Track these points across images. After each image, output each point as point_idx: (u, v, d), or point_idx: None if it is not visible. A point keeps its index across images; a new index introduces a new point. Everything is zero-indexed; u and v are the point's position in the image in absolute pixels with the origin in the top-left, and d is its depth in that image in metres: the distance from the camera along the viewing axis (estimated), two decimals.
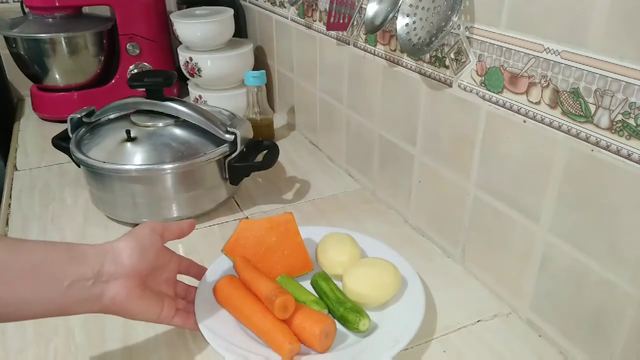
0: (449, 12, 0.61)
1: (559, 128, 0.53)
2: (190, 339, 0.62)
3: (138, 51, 1.25)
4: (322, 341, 0.56)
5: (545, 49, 0.53)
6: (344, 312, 0.60)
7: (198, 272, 0.65)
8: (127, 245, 0.53)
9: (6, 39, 1.18)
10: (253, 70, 1.13)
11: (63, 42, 1.17)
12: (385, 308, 0.63)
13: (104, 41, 1.22)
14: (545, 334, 0.61)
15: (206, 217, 0.86)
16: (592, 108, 0.49)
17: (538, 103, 0.55)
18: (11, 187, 0.97)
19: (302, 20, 1.02)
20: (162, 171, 0.78)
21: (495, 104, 0.61)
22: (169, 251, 0.60)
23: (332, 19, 0.85)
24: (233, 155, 0.83)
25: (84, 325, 0.64)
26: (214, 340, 0.57)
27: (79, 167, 0.84)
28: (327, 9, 0.87)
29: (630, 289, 0.50)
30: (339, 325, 0.61)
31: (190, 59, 1.13)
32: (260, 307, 0.59)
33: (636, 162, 0.47)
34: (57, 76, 1.21)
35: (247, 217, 0.86)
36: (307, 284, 0.67)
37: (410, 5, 0.65)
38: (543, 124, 0.55)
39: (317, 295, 0.65)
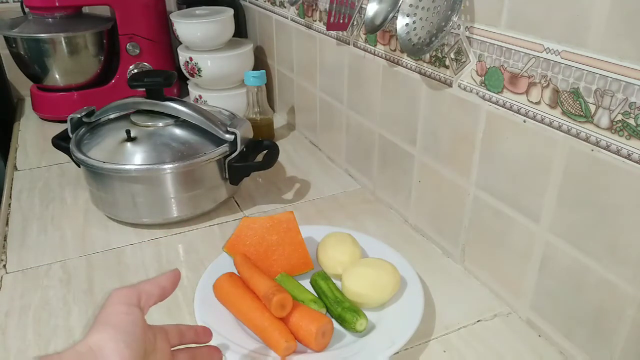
0: (449, 12, 0.61)
1: (559, 128, 0.53)
2: None
3: (138, 51, 1.25)
4: (318, 340, 0.57)
5: (545, 49, 0.53)
6: (341, 311, 0.60)
7: (195, 334, 0.52)
8: (106, 336, 0.40)
9: (6, 39, 1.18)
10: (253, 70, 1.13)
11: (63, 42, 1.17)
12: (384, 308, 0.63)
13: (104, 41, 1.22)
14: (545, 334, 0.61)
15: (206, 217, 0.86)
16: (592, 108, 0.49)
17: (538, 103, 0.55)
18: (11, 187, 0.97)
19: (302, 20, 1.02)
20: (162, 171, 0.78)
21: (495, 103, 0.61)
22: (150, 326, 0.46)
23: (332, 19, 0.85)
24: (233, 155, 0.83)
25: (84, 326, 0.64)
26: (213, 337, 0.57)
27: (79, 167, 0.84)
28: (327, 9, 0.87)
29: (630, 289, 0.50)
30: (336, 325, 0.61)
31: (190, 59, 1.13)
32: (258, 305, 0.59)
33: (636, 162, 0.47)
34: (57, 76, 1.21)
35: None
36: (307, 283, 0.67)
37: (410, 5, 0.65)
38: (543, 123, 0.55)
39: (316, 295, 0.65)
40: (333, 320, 0.60)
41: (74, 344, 0.39)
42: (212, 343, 0.56)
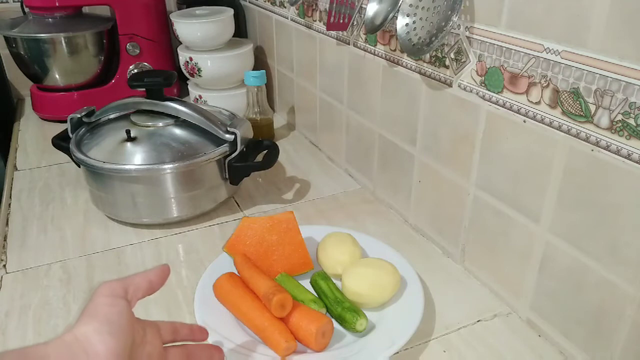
0: (449, 12, 0.61)
1: (559, 128, 0.53)
2: None
3: (138, 51, 1.25)
4: (318, 340, 0.57)
5: (545, 49, 0.53)
6: (341, 311, 0.60)
7: (190, 331, 0.52)
8: (92, 327, 0.40)
9: (6, 39, 1.18)
10: (253, 70, 1.13)
11: (63, 42, 1.17)
12: (384, 308, 0.63)
13: (104, 41, 1.22)
14: (545, 334, 0.61)
15: (206, 217, 0.86)
16: (592, 108, 0.49)
17: (538, 103, 0.55)
18: (11, 187, 0.97)
19: (302, 20, 1.02)
20: (162, 171, 0.78)
21: (495, 103, 0.61)
22: (139, 320, 0.47)
23: (332, 19, 0.85)
24: (233, 155, 0.83)
25: None
26: (213, 337, 0.57)
27: (79, 167, 0.84)
28: (327, 9, 0.87)
29: (630, 289, 0.50)
30: (336, 325, 0.61)
31: (190, 59, 1.13)
32: (258, 305, 0.59)
33: (636, 162, 0.47)
34: (57, 76, 1.21)
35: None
36: (307, 283, 0.67)
37: (410, 5, 0.65)
38: (543, 123, 0.55)
39: (316, 295, 0.65)
40: (333, 320, 0.60)
41: (61, 335, 0.40)
42: (211, 342, 0.56)
